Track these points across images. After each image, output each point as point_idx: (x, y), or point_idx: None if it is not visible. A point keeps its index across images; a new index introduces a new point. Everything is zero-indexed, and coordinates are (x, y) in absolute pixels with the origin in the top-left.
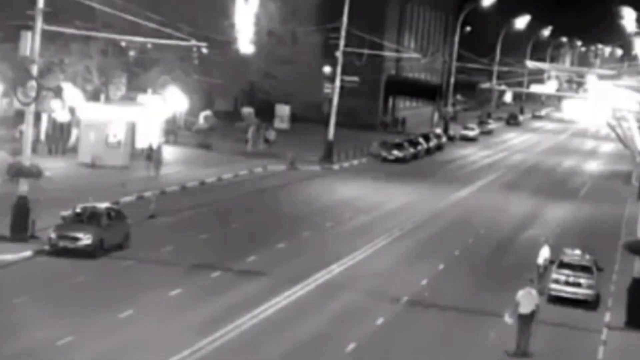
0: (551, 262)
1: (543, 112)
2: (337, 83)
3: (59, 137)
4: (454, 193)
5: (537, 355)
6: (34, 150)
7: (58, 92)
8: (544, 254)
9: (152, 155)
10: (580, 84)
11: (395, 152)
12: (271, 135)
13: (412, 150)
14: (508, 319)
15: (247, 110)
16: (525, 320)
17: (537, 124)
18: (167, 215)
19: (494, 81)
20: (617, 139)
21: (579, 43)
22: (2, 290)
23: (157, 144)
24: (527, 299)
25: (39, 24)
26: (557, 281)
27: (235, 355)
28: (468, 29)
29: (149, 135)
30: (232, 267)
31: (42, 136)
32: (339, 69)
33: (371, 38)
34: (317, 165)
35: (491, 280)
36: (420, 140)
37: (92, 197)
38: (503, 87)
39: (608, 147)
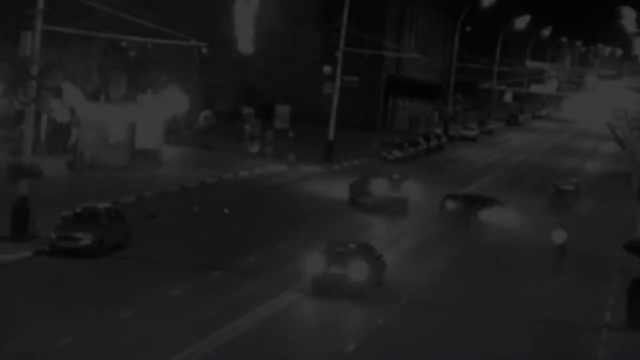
0: None
1: (543, 112)
2: (337, 83)
3: (59, 137)
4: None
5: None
6: (34, 150)
7: (58, 92)
8: (559, 236)
9: (75, 163)
10: (580, 84)
11: (396, 152)
12: (269, 135)
13: (412, 150)
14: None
15: (247, 110)
16: (561, 249)
17: (537, 124)
18: (167, 215)
19: (494, 81)
20: (615, 139)
21: (579, 43)
22: (2, 290)
23: (81, 150)
24: (558, 235)
25: (39, 24)
26: None
27: (235, 354)
28: (468, 29)
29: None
30: (232, 267)
31: (42, 136)
32: (339, 69)
33: (371, 38)
34: (318, 165)
35: (492, 279)
36: (421, 140)
37: (92, 197)
38: (503, 87)
39: (608, 147)
